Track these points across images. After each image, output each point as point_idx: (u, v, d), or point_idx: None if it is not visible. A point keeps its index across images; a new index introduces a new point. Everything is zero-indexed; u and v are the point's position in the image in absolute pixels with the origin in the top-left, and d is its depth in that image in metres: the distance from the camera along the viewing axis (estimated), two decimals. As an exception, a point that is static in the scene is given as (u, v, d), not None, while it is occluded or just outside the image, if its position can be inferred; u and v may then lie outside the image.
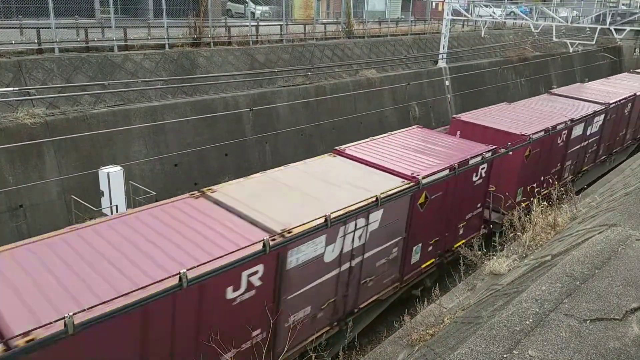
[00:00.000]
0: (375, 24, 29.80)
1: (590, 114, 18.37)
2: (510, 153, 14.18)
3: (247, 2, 30.80)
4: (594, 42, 28.47)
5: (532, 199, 11.54)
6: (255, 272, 7.65)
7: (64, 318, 5.65)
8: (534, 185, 15.52)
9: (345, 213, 9.04)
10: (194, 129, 17.32)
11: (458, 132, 15.77)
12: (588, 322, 4.28)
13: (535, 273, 6.17)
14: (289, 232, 8.07)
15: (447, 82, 27.96)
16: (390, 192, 10.08)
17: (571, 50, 30.26)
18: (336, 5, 33.03)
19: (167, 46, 18.66)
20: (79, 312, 5.79)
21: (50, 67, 15.44)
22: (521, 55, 33.71)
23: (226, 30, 21.74)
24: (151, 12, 22.76)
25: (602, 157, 21.17)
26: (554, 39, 28.59)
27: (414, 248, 11.55)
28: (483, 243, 11.33)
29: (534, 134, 15.02)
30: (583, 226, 7.56)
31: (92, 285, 6.42)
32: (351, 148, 12.61)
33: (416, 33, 30.23)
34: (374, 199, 9.62)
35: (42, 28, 16.24)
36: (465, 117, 16.57)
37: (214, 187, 9.79)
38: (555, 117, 16.99)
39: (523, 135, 14.79)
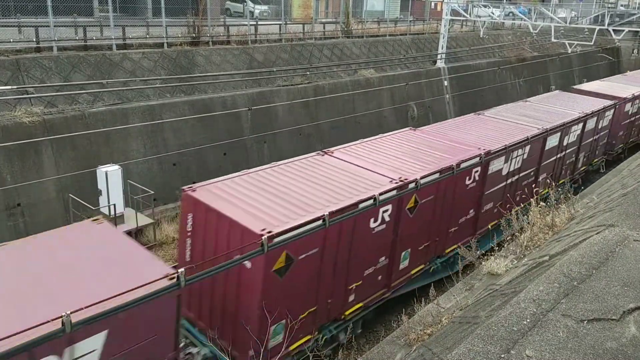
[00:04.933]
0: (374, 23, 29.82)
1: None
2: None
3: (246, 1, 30.77)
4: (592, 43, 28.52)
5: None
6: None
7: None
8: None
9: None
10: (193, 128, 17.30)
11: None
12: (585, 322, 4.29)
13: (533, 273, 6.18)
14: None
15: (445, 83, 27.98)
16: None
17: (570, 50, 30.32)
18: (335, 4, 33.03)
19: (165, 45, 18.64)
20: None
21: (48, 66, 15.41)
22: (520, 56, 33.75)
23: (225, 29, 21.73)
24: (150, 10, 22.72)
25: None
26: (553, 40, 28.63)
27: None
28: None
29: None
30: (581, 226, 7.57)
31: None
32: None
33: (415, 33, 30.24)
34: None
35: (41, 26, 16.20)
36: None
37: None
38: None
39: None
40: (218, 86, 18.81)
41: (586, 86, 24.55)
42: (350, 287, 9.91)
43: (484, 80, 30.19)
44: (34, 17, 17.26)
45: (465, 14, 30.79)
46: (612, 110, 21.20)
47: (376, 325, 11.90)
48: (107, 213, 13.17)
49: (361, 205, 9.33)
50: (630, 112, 23.38)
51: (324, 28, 26.24)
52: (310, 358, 7.98)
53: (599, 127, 20.22)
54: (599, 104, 20.20)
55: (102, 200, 13.67)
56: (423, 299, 8.97)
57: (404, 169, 11.18)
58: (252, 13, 28.56)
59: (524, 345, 4.06)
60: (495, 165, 13.41)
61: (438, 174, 11.19)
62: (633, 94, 23.20)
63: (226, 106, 18.27)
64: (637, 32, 35.43)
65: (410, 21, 32.08)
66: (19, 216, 13.66)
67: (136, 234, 13.73)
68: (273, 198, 9.26)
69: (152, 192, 14.34)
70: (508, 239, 9.93)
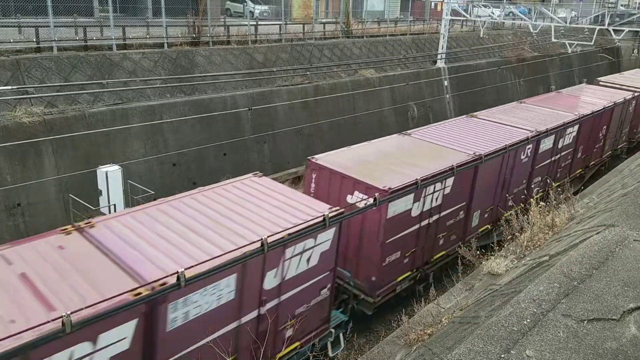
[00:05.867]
0: (374, 23, 29.82)
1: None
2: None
3: (246, 2, 30.80)
4: (592, 43, 28.51)
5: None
6: None
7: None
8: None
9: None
10: (193, 128, 17.31)
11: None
12: (585, 322, 4.29)
13: (533, 273, 6.18)
14: None
15: (445, 83, 27.98)
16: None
17: (570, 50, 30.31)
18: (335, 4, 33.05)
19: (165, 45, 18.64)
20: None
21: (48, 66, 15.41)
22: (520, 56, 33.75)
23: (225, 29, 21.74)
24: (150, 10, 22.74)
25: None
26: (553, 40, 28.62)
27: None
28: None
29: None
30: (581, 227, 7.58)
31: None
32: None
33: (415, 33, 30.25)
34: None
35: (41, 26, 16.21)
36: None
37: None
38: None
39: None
40: (218, 86, 18.81)
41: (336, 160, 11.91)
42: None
43: (484, 80, 30.19)
44: (34, 18, 17.26)
45: (465, 14, 30.79)
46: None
47: (376, 325, 11.90)
48: (107, 213, 13.17)
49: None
50: (415, 214, 11.38)
51: (324, 28, 26.24)
52: (311, 358, 8.00)
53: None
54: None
55: (103, 201, 13.66)
56: (423, 299, 8.98)
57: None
58: (252, 13, 28.58)
59: (524, 345, 4.06)
60: None
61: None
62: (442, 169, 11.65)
63: (226, 106, 18.27)
64: (637, 32, 35.42)
65: (410, 21, 32.07)
66: (19, 216, 13.66)
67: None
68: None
69: (152, 192, 14.32)
70: (508, 238, 9.94)
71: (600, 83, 24.58)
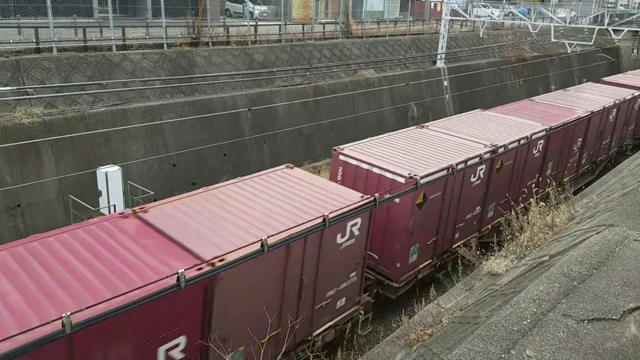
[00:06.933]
0: (374, 24, 29.83)
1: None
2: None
3: (245, 2, 30.80)
4: (592, 43, 28.54)
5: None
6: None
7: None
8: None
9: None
10: (192, 128, 17.31)
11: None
12: (586, 322, 4.29)
13: (533, 273, 6.18)
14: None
15: (445, 83, 27.99)
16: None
17: (569, 50, 30.32)
18: (335, 5, 33.05)
19: (165, 46, 18.64)
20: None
21: (48, 67, 15.41)
22: (519, 56, 33.77)
23: (225, 30, 21.74)
24: (149, 11, 22.75)
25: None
26: (552, 40, 28.64)
27: None
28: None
29: None
30: (581, 226, 7.58)
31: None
32: None
33: (415, 33, 30.26)
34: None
35: (41, 27, 16.21)
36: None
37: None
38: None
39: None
40: (218, 87, 18.82)
41: None
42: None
43: (484, 80, 30.20)
44: (33, 18, 17.27)
45: (465, 14, 30.81)
46: None
47: (376, 325, 11.89)
48: (107, 214, 13.16)
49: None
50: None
51: (324, 28, 26.24)
52: (311, 358, 7.99)
53: None
54: None
55: (102, 201, 13.66)
56: (423, 299, 8.97)
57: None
58: (251, 14, 28.58)
59: (524, 345, 4.06)
60: None
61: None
62: None
63: (226, 107, 18.28)
64: (637, 32, 35.44)
65: (410, 21, 32.09)
66: (19, 217, 13.66)
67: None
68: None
69: (152, 193, 14.33)
70: (508, 238, 9.94)
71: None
